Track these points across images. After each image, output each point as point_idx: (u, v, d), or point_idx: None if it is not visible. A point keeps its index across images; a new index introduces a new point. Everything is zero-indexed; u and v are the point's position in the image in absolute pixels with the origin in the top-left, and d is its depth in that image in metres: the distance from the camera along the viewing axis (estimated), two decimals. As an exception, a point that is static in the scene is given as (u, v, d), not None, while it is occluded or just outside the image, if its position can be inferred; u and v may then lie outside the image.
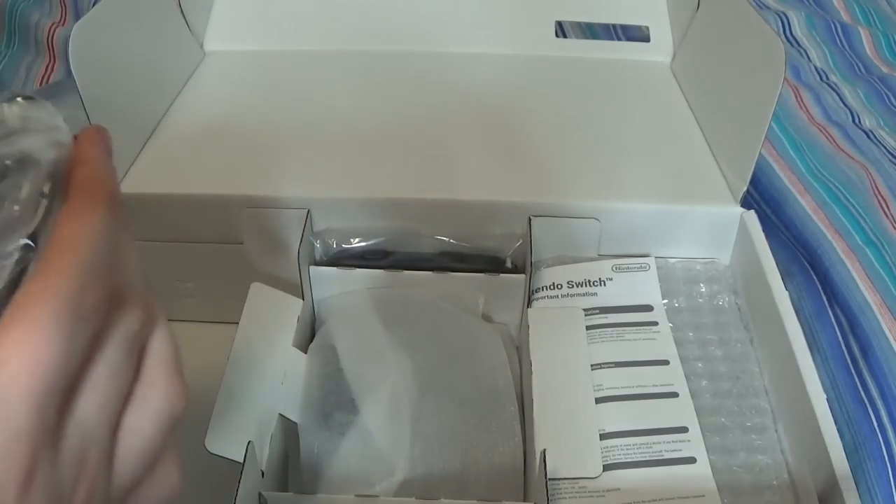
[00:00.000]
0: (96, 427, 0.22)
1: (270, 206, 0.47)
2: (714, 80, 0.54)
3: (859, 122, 0.65)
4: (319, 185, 0.48)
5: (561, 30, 0.66)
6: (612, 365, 0.43)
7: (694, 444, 0.39)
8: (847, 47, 0.74)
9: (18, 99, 0.23)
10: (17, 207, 0.21)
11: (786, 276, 0.45)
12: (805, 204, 0.56)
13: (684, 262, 0.48)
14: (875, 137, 0.63)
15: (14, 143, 0.22)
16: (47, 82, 0.67)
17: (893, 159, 0.60)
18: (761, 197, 0.58)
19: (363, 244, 0.47)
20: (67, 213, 0.22)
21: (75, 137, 0.24)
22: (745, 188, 0.47)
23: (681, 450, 0.39)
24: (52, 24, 0.72)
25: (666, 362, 0.43)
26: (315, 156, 0.50)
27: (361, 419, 0.40)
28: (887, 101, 0.67)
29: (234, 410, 0.38)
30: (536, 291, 0.47)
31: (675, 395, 0.41)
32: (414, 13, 0.63)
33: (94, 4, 0.63)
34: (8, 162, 0.22)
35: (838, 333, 0.48)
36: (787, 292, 0.43)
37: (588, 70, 0.61)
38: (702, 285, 0.47)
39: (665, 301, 0.46)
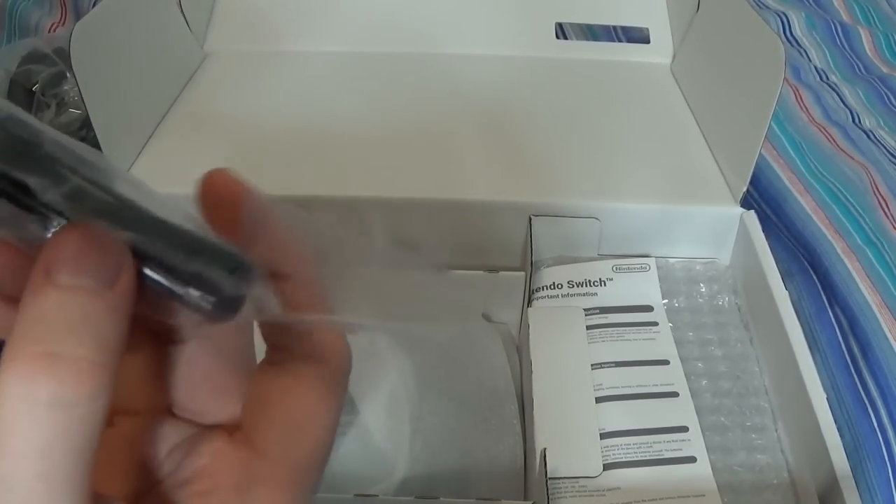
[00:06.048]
0: None
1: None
2: (714, 81, 0.54)
3: (859, 122, 0.65)
4: (319, 185, 0.48)
5: (561, 31, 0.66)
6: (613, 364, 0.43)
7: (694, 443, 0.39)
8: (847, 47, 0.74)
9: None
10: None
11: (786, 276, 0.45)
12: (805, 204, 0.56)
13: (684, 262, 0.48)
14: (875, 137, 0.63)
15: None
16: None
17: (893, 159, 0.60)
18: (761, 197, 0.58)
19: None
20: None
21: None
22: (745, 188, 0.47)
23: (681, 449, 0.39)
24: (52, 24, 0.72)
25: (666, 362, 0.43)
26: (314, 156, 0.50)
27: (361, 419, 0.41)
28: (887, 101, 0.67)
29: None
30: (536, 291, 0.47)
31: (675, 394, 0.41)
32: (414, 15, 0.63)
33: (94, 4, 0.63)
34: None
35: (838, 333, 0.48)
36: (787, 292, 0.43)
37: (588, 71, 0.61)
38: (702, 285, 0.47)
39: (665, 301, 0.46)
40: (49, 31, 0.70)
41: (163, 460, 0.20)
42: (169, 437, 0.20)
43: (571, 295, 0.46)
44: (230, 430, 0.20)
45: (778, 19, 0.76)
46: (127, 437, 0.20)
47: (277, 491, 0.19)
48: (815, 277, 0.51)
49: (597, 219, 0.47)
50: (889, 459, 0.41)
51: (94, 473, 0.16)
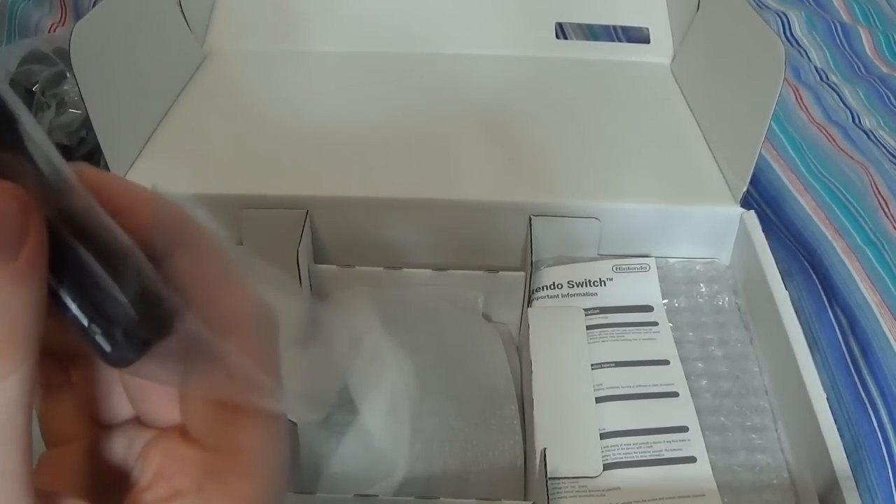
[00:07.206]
0: None
1: (270, 207, 0.47)
2: (714, 81, 0.54)
3: (859, 122, 0.65)
4: (319, 185, 0.48)
5: (561, 31, 0.66)
6: (613, 364, 0.43)
7: (694, 443, 0.39)
8: (847, 47, 0.74)
9: None
10: None
11: (786, 276, 0.45)
12: (805, 204, 0.56)
13: (684, 262, 0.48)
14: (875, 137, 0.63)
15: None
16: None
17: (893, 159, 0.60)
18: (761, 197, 0.58)
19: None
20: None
21: None
22: (745, 188, 0.47)
23: (681, 449, 0.39)
24: (52, 24, 0.72)
25: (666, 362, 0.43)
26: (315, 156, 0.50)
27: (361, 419, 0.40)
28: (887, 101, 0.67)
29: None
30: (537, 291, 0.47)
31: (675, 394, 0.41)
32: (414, 15, 0.63)
33: (94, 4, 0.63)
34: None
35: (838, 333, 0.48)
36: (787, 292, 0.43)
37: (588, 71, 0.61)
38: (702, 285, 0.47)
39: (665, 301, 0.46)
40: (49, 31, 0.70)
41: (130, 468, 0.20)
42: (133, 444, 0.20)
43: (571, 295, 0.46)
44: (182, 430, 0.19)
45: (778, 19, 0.76)
46: (75, 461, 0.19)
47: (242, 480, 0.18)
48: (815, 277, 0.51)
49: (597, 219, 0.47)
50: (889, 459, 0.41)
51: (29, 461, 0.15)
